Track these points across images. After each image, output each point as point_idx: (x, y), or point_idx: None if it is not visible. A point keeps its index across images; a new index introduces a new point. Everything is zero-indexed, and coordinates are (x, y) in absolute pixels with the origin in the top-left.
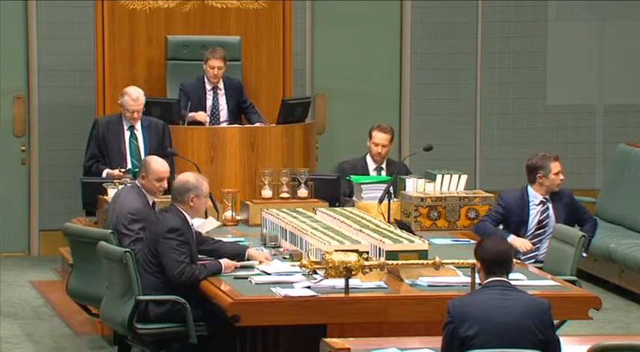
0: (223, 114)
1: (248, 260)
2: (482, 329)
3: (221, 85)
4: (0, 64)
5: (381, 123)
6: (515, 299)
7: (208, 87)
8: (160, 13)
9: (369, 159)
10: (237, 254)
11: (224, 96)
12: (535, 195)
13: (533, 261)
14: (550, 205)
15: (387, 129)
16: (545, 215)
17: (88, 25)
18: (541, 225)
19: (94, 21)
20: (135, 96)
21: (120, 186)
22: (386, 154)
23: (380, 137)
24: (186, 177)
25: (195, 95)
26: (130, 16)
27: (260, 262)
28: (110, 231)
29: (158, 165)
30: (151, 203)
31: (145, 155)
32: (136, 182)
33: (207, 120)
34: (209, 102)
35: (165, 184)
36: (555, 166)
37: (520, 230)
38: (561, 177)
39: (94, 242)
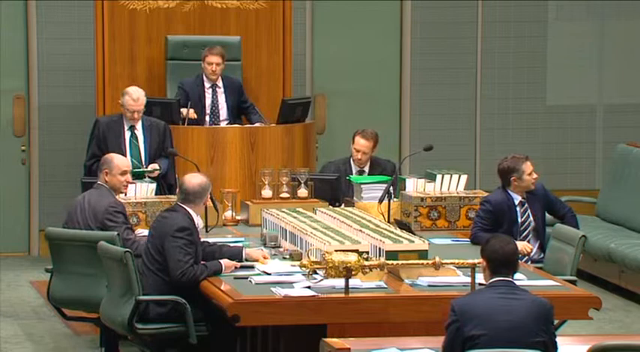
0: (223, 112)
1: (247, 260)
2: (487, 329)
3: (220, 83)
4: (0, 64)
5: (365, 129)
6: (519, 300)
7: (207, 85)
8: (159, 13)
9: (352, 161)
10: (235, 256)
11: (223, 95)
12: (515, 197)
13: (529, 262)
14: (527, 205)
15: (369, 136)
16: (526, 215)
17: (88, 25)
18: (524, 226)
19: (94, 21)
20: (135, 96)
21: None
22: (366, 160)
23: (360, 143)
24: (199, 178)
25: (194, 93)
26: (130, 16)
27: (257, 260)
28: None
29: (120, 159)
30: None
31: (145, 155)
32: (99, 182)
33: (195, 116)
34: (208, 101)
35: (129, 178)
36: (527, 167)
37: (512, 231)
38: (535, 176)
39: (75, 245)
